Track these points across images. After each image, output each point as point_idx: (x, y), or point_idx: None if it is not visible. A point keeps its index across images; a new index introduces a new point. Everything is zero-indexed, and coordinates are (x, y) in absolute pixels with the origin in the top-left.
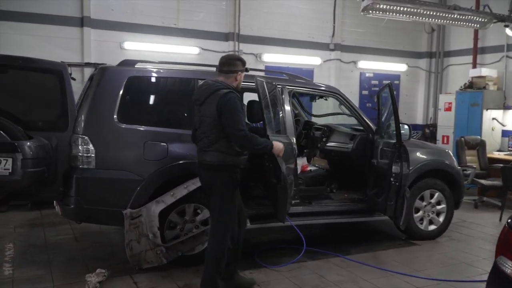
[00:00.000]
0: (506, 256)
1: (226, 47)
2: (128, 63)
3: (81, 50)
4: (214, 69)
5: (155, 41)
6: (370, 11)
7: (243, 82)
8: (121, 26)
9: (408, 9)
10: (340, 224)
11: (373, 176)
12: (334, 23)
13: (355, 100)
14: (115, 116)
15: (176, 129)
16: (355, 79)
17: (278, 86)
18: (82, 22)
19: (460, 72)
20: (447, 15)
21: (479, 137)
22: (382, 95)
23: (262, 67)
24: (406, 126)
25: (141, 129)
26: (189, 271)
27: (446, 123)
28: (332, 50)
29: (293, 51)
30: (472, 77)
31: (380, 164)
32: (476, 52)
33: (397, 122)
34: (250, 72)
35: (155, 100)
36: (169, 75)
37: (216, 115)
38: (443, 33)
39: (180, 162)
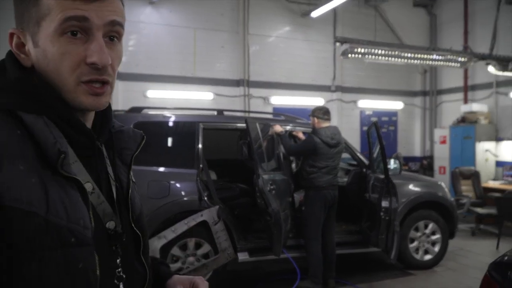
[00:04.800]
0: None
1: (237, 92)
2: (135, 110)
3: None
4: (214, 112)
5: (175, 89)
6: (349, 55)
7: (241, 124)
8: (144, 78)
9: (386, 52)
10: (338, 253)
11: (366, 209)
12: (334, 68)
13: (356, 136)
14: None
15: (178, 169)
16: (356, 117)
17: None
18: None
19: (452, 108)
20: (426, 56)
21: (473, 167)
22: (371, 132)
23: (270, 109)
24: (393, 161)
25: (145, 169)
26: None
27: (442, 155)
28: (334, 91)
29: (298, 93)
30: (464, 112)
31: (371, 198)
32: (467, 89)
33: (384, 158)
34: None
35: (159, 142)
36: (172, 119)
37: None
38: (435, 74)
39: (181, 199)
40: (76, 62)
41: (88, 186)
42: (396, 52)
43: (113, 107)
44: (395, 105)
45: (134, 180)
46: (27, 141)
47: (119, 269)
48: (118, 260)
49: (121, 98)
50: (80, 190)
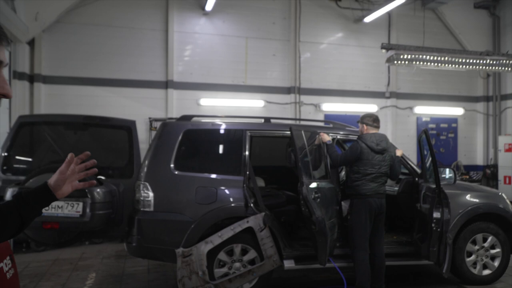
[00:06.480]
0: None
1: (288, 99)
2: (186, 118)
3: (165, 107)
4: (262, 120)
5: (226, 97)
6: (395, 62)
7: (288, 132)
8: (198, 86)
9: (435, 57)
10: (388, 265)
11: (417, 220)
12: (389, 73)
13: (413, 144)
14: (171, 165)
15: (225, 175)
16: (412, 123)
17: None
18: (166, 85)
19: None
20: (478, 61)
21: None
22: (422, 140)
23: (322, 116)
24: (448, 170)
25: (194, 175)
26: None
27: (507, 164)
28: (388, 97)
29: (350, 100)
30: None
31: (422, 208)
32: None
33: (435, 167)
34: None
35: (207, 149)
36: (220, 127)
37: (392, 160)
38: (498, 78)
39: (228, 205)
40: None
41: None
42: (446, 58)
43: (168, 115)
44: (455, 111)
45: None
46: None
47: None
48: None
49: (176, 106)
50: None
